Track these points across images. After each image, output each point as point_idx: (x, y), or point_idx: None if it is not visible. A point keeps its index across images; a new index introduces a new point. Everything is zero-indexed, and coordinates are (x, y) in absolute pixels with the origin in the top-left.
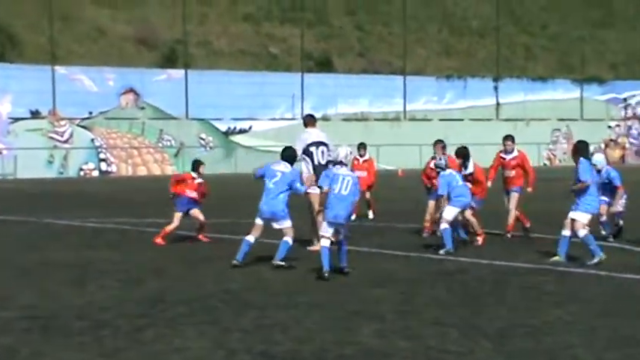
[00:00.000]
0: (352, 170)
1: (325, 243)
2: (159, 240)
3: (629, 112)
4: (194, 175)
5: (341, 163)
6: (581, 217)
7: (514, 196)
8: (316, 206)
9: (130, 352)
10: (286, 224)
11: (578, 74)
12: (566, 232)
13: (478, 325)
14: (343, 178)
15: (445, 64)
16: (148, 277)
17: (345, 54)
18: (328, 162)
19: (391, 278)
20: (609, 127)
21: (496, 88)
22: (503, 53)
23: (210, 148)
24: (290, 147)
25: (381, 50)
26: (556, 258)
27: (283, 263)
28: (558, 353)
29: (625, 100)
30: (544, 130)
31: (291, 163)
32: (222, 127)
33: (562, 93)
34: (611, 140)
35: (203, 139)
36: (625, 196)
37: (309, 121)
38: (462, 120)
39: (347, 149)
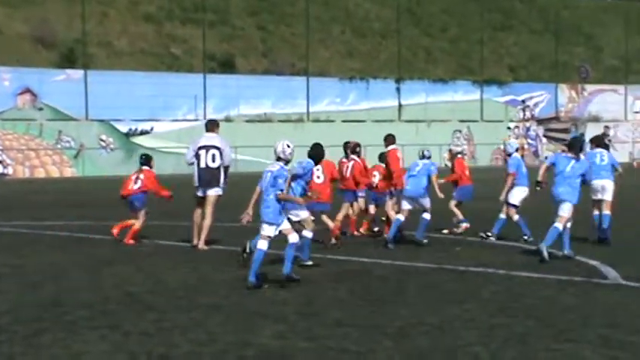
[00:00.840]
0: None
1: (262, 245)
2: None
3: (528, 114)
4: (145, 168)
5: (279, 158)
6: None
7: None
8: (210, 208)
9: (26, 358)
10: (285, 225)
11: (478, 76)
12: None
13: (379, 324)
14: (265, 175)
15: (348, 66)
16: (46, 281)
17: (248, 55)
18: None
19: (293, 280)
20: (508, 128)
21: (398, 90)
22: (405, 55)
23: (111, 149)
24: (318, 144)
25: (283, 51)
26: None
27: (309, 263)
28: (457, 351)
29: (524, 102)
30: (445, 132)
31: (317, 162)
32: (123, 129)
33: (462, 95)
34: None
35: (103, 141)
36: (520, 189)
37: (209, 126)
38: (365, 121)
39: (283, 143)
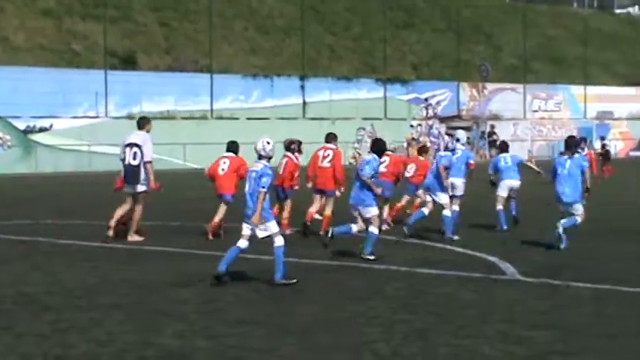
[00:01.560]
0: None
1: (240, 243)
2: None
3: (430, 112)
4: None
5: (260, 156)
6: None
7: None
8: (138, 204)
9: None
10: (273, 228)
11: (382, 74)
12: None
13: (282, 322)
14: (250, 175)
15: (252, 63)
16: None
17: (150, 51)
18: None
19: (196, 278)
20: (412, 126)
21: (302, 87)
22: (309, 53)
23: (8, 147)
24: (379, 139)
25: (186, 48)
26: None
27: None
28: (359, 348)
29: (426, 100)
30: (349, 129)
31: (380, 155)
32: (21, 126)
33: (366, 92)
34: (413, 139)
35: (0, 138)
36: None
37: (139, 123)
38: (269, 119)
39: (263, 141)
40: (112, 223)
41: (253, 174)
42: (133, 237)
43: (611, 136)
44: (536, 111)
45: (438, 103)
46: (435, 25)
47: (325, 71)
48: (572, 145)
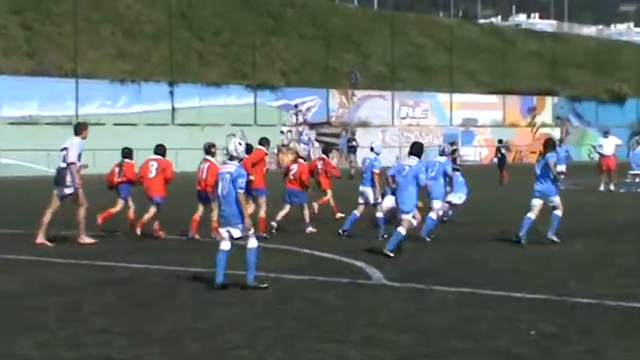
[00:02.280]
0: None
1: (223, 246)
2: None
3: (300, 118)
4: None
5: (232, 157)
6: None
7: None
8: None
9: None
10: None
11: (251, 80)
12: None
13: (147, 330)
14: (222, 176)
15: (119, 68)
16: None
17: (11, 54)
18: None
19: (57, 287)
20: (282, 132)
21: (171, 93)
22: (178, 58)
23: None
24: (417, 142)
25: (50, 52)
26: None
27: None
28: (225, 354)
29: (296, 106)
30: (219, 136)
31: (419, 156)
32: None
33: (236, 98)
34: (284, 145)
35: None
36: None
37: (76, 129)
38: (137, 125)
39: (235, 142)
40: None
41: (227, 175)
42: (84, 239)
43: (476, 143)
44: (404, 118)
45: (307, 109)
46: (303, 32)
47: (194, 77)
48: (549, 146)
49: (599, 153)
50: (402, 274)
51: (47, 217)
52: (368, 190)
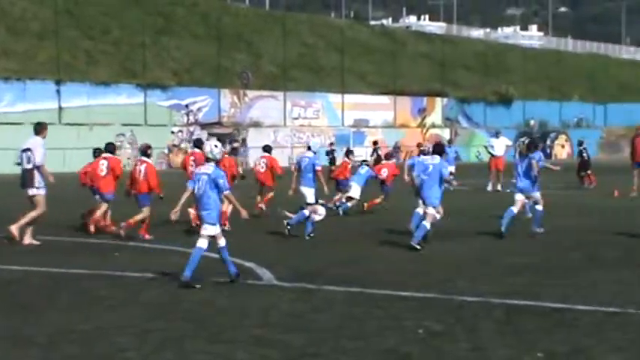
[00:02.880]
0: None
1: (201, 244)
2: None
3: (192, 118)
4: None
5: (207, 159)
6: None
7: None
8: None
9: None
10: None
11: (142, 80)
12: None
13: (27, 334)
14: (199, 177)
15: (3, 66)
16: None
17: None
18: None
19: None
20: (172, 132)
21: (58, 92)
22: (65, 57)
23: None
24: (439, 143)
25: None
26: None
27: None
28: (110, 357)
29: (187, 106)
30: (108, 135)
31: (440, 155)
32: None
33: (126, 98)
34: (174, 145)
35: None
36: None
37: (36, 129)
38: (23, 124)
39: (211, 144)
40: (15, 228)
41: (204, 176)
42: (31, 240)
43: (367, 143)
44: (296, 118)
45: (199, 109)
46: (195, 32)
47: (83, 76)
48: (531, 147)
49: (489, 153)
50: (292, 274)
51: (27, 218)
52: (308, 191)
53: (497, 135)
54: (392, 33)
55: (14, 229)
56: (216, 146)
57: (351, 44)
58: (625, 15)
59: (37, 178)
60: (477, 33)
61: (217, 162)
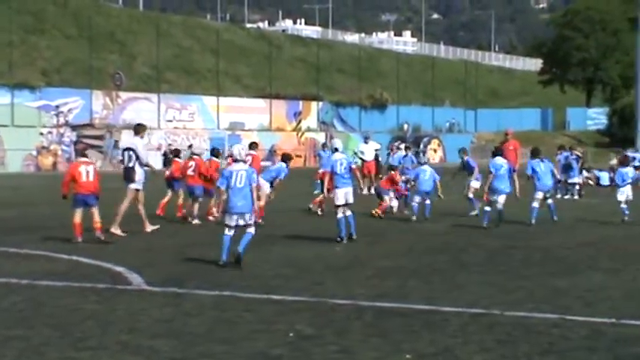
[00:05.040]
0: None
1: (228, 232)
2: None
3: (62, 120)
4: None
5: (236, 160)
6: None
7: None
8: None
9: None
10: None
11: (9, 80)
12: None
13: None
14: (237, 173)
15: None
16: None
17: None
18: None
19: None
20: (41, 134)
21: None
22: None
23: None
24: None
25: None
26: None
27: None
28: None
29: (57, 107)
30: None
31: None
32: None
33: None
34: (43, 147)
35: None
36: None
37: (136, 129)
38: None
39: (238, 147)
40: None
41: (243, 172)
42: (152, 227)
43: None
44: (170, 121)
45: (69, 110)
46: (66, 31)
47: None
48: (497, 151)
49: (360, 158)
50: (162, 278)
51: (142, 210)
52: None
53: (366, 140)
54: (268, 36)
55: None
56: (242, 149)
57: (226, 47)
58: (494, 23)
59: (138, 174)
60: (352, 38)
61: (244, 162)
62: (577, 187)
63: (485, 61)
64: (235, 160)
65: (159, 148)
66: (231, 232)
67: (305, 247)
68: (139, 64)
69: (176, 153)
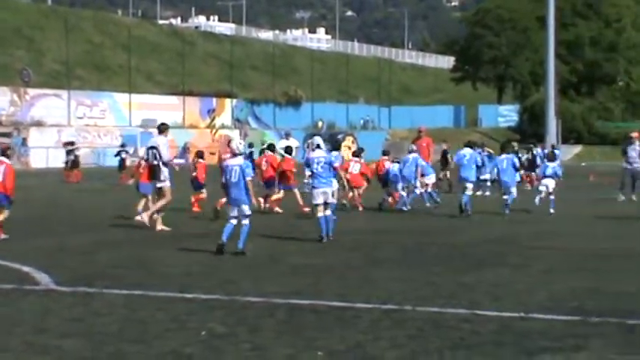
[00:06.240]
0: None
1: (232, 221)
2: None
3: None
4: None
5: (235, 154)
6: None
7: None
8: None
9: None
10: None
11: None
12: None
13: None
14: (232, 168)
15: None
16: None
17: None
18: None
19: None
20: None
21: None
22: None
23: None
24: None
25: None
26: None
27: None
28: None
29: None
30: None
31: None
32: None
33: None
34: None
35: None
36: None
37: (160, 129)
38: None
39: (236, 141)
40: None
41: (237, 167)
42: (162, 227)
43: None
44: (81, 117)
45: None
46: None
47: None
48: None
49: (282, 155)
50: (72, 278)
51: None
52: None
53: (287, 137)
54: (181, 33)
55: (145, 217)
56: (240, 143)
57: (138, 43)
58: (407, 21)
59: (164, 172)
60: (266, 35)
61: (241, 155)
62: (488, 183)
63: (399, 59)
64: (234, 155)
65: (70, 144)
66: (234, 221)
67: (214, 245)
68: (49, 60)
69: (200, 155)
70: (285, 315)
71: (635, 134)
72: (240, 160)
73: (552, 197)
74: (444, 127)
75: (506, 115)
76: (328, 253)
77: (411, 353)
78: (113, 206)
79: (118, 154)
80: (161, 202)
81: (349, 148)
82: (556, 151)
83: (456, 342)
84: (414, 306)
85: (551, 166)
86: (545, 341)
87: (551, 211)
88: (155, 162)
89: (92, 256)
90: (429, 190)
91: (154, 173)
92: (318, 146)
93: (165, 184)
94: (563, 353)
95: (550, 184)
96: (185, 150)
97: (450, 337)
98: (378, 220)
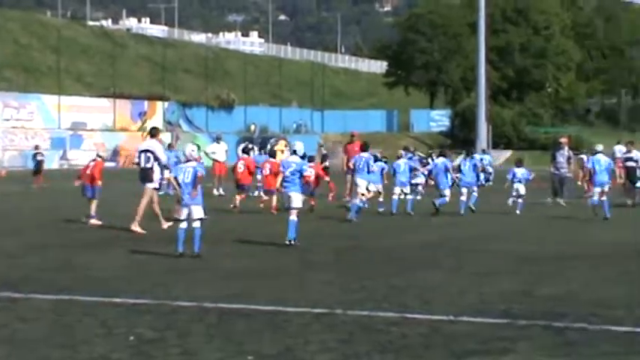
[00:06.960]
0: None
1: (182, 225)
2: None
3: None
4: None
5: (188, 160)
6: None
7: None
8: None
9: None
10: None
11: None
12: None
13: None
14: (185, 170)
15: None
16: None
17: None
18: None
19: None
20: None
21: None
22: None
23: None
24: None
25: None
26: None
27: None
28: None
29: None
30: None
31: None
32: None
33: None
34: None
35: None
36: None
37: (152, 132)
38: None
39: (190, 147)
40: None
41: (190, 169)
42: (136, 227)
43: (85, 146)
44: (7, 119)
45: None
46: None
47: None
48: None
49: (212, 159)
50: None
51: (157, 209)
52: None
53: (217, 141)
54: (111, 34)
55: (136, 227)
56: (193, 150)
57: (67, 45)
58: (340, 25)
59: (156, 175)
60: (199, 38)
61: (195, 160)
62: (420, 187)
63: (332, 63)
64: (187, 160)
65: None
66: (184, 225)
67: (145, 249)
68: None
69: (247, 150)
70: (215, 319)
71: (564, 140)
72: (193, 163)
73: (521, 201)
74: (376, 131)
75: (438, 119)
76: (262, 257)
77: (340, 357)
78: (39, 209)
79: (34, 157)
80: (144, 201)
81: (282, 152)
82: (486, 157)
83: (386, 345)
84: (345, 309)
85: (520, 172)
86: (474, 344)
87: (518, 212)
88: (148, 165)
89: (21, 259)
90: (364, 199)
91: (145, 175)
92: (295, 152)
93: (156, 186)
94: (491, 356)
95: (521, 188)
96: (116, 153)
97: (379, 340)
98: (313, 223)
